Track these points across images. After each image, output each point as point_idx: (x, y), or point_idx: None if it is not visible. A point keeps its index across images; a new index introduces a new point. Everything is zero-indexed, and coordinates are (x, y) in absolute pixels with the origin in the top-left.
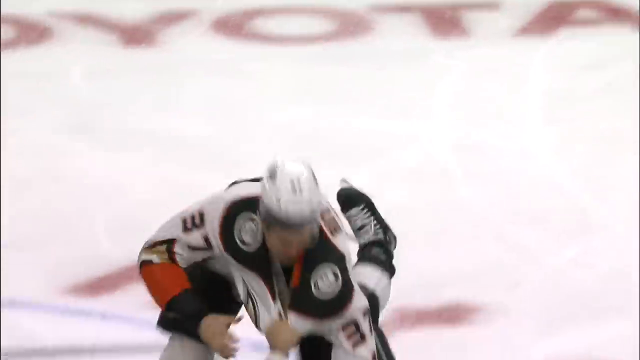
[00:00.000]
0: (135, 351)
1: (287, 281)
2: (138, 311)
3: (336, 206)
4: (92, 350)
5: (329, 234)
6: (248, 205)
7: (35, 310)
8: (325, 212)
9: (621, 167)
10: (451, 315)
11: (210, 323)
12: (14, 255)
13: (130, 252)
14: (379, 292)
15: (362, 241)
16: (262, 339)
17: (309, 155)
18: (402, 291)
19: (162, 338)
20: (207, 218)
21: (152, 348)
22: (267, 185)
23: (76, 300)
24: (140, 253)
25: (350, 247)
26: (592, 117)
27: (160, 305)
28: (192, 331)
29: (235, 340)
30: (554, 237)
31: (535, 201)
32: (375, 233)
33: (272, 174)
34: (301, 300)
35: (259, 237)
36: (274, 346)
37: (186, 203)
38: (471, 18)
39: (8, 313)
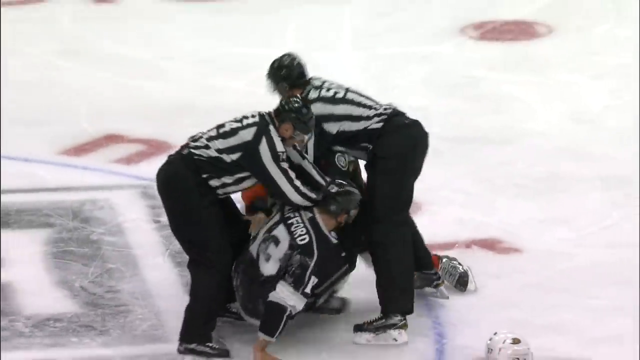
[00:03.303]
0: (104, 189)
1: None
2: (107, 166)
3: None
4: (78, 188)
5: None
6: None
7: (40, 164)
8: None
9: None
10: None
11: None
12: (26, 128)
13: (100, 129)
14: None
15: None
16: None
17: None
18: None
19: (110, 176)
20: None
21: (113, 187)
22: None
23: (66, 158)
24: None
25: None
26: None
27: None
28: None
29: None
30: None
31: None
32: None
33: None
34: None
35: None
36: None
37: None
38: None
39: (27, 166)
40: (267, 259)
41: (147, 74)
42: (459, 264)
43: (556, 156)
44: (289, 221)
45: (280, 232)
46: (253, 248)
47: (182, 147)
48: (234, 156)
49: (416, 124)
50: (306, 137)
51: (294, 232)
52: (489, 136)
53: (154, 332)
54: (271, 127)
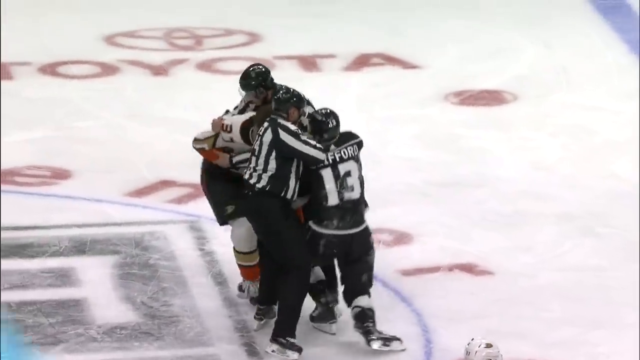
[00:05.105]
0: (160, 223)
1: None
2: (162, 205)
3: None
4: (139, 223)
5: None
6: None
7: (109, 203)
8: None
9: None
10: None
11: None
12: (98, 175)
13: (157, 176)
14: None
15: None
16: None
17: None
18: None
19: (164, 213)
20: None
21: (167, 222)
22: None
23: (130, 199)
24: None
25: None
26: None
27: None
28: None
29: None
30: None
31: None
32: None
33: None
34: None
35: None
36: None
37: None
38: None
39: (98, 205)
40: (352, 188)
41: (194, 131)
42: None
43: (520, 197)
44: (335, 159)
45: (344, 167)
46: (332, 200)
47: (249, 188)
48: (272, 156)
49: None
50: (307, 110)
51: (345, 154)
52: (467, 181)
53: (200, 338)
54: (280, 120)
